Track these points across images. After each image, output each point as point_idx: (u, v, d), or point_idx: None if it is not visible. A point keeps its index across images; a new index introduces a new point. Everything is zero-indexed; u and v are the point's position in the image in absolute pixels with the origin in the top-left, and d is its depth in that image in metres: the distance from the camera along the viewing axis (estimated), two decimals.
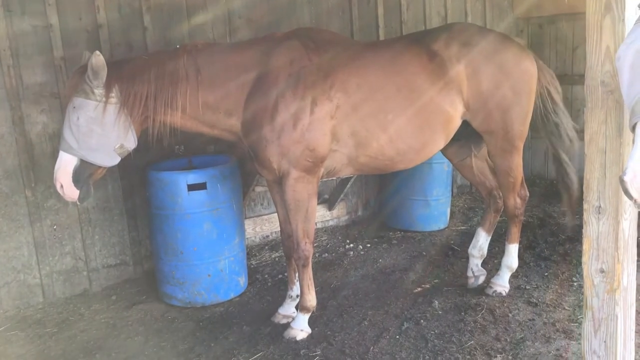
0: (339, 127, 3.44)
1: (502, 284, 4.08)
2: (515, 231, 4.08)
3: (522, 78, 3.73)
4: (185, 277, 4.13)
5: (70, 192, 3.16)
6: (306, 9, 5.39)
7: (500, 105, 3.69)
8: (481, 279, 4.21)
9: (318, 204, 5.71)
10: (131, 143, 3.30)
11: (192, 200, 4.01)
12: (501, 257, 4.19)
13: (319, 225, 5.77)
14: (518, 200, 4.00)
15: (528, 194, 4.07)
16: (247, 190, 4.85)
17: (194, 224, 4.05)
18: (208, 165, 4.27)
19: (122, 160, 4.49)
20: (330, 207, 5.76)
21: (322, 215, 5.76)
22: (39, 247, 4.33)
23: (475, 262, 4.24)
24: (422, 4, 6.16)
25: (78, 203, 3.30)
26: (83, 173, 3.18)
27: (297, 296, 3.85)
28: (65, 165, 3.13)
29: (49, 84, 4.21)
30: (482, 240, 4.23)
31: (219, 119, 3.46)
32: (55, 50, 4.20)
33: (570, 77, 6.47)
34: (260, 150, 3.43)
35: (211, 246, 4.12)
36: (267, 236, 5.46)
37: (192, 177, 4.02)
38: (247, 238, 5.11)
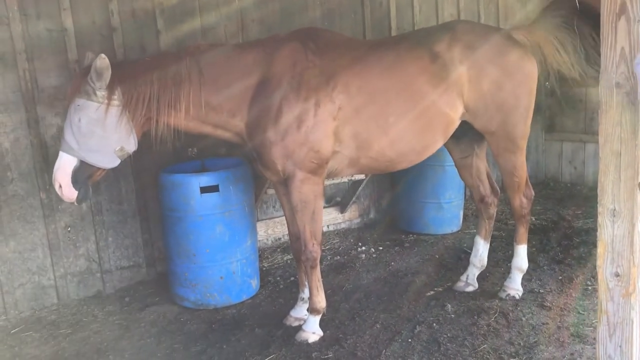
0: (341, 128, 3.44)
1: (515, 287, 4.05)
2: (523, 231, 4.05)
3: (524, 80, 3.70)
4: (197, 279, 4.15)
5: (69, 193, 3.16)
6: (318, 10, 5.39)
7: (501, 107, 3.67)
8: (469, 289, 4.19)
9: (330, 206, 5.74)
10: (132, 146, 3.30)
11: (204, 203, 4.02)
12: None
13: (331, 228, 5.77)
14: (524, 200, 3.97)
15: (533, 193, 4.04)
16: (259, 192, 4.86)
17: (207, 226, 4.06)
18: (220, 168, 4.29)
19: (135, 162, 4.55)
20: (342, 210, 5.75)
21: (334, 218, 5.75)
22: (54, 249, 4.37)
23: (474, 272, 4.23)
24: (434, 5, 6.14)
25: (76, 204, 3.29)
26: (82, 174, 3.18)
27: (309, 298, 3.85)
28: (65, 166, 3.13)
29: (64, 87, 4.24)
30: (481, 249, 4.22)
31: (222, 120, 3.46)
32: (70, 53, 4.25)
33: (585, 79, 6.42)
34: (264, 153, 3.43)
35: (223, 248, 4.13)
36: (279, 239, 5.47)
37: (205, 180, 4.03)
38: (259, 240, 5.12)
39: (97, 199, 4.50)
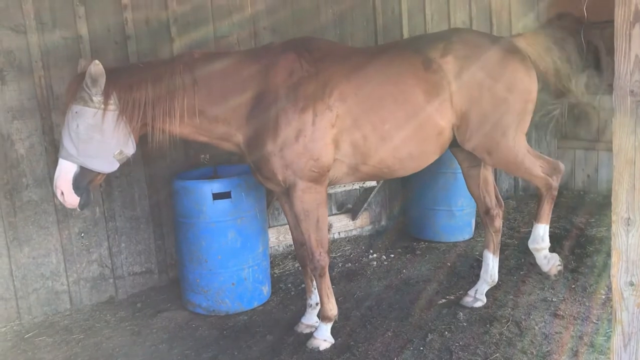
0: (339, 135, 3.43)
1: (546, 269, 3.94)
2: (546, 208, 3.85)
3: (519, 95, 3.63)
4: (209, 286, 4.16)
5: (71, 199, 3.18)
6: (330, 17, 5.42)
7: (486, 118, 3.59)
8: (477, 304, 4.09)
9: (341, 213, 5.74)
10: (130, 149, 3.31)
11: (216, 209, 4.04)
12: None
13: (342, 235, 5.77)
14: (546, 177, 3.77)
15: (563, 166, 3.85)
16: (270, 199, 4.88)
17: (219, 232, 4.08)
18: (233, 175, 4.31)
19: (148, 169, 4.59)
20: (354, 217, 5.75)
21: (345, 225, 5.75)
22: (67, 255, 4.41)
23: (483, 287, 4.13)
24: (446, 12, 6.14)
25: (79, 209, 3.32)
26: (83, 180, 3.20)
27: (317, 304, 3.86)
28: (65, 172, 3.15)
29: None
30: (491, 263, 4.11)
31: (218, 129, 3.46)
32: (85, 61, 4.29)
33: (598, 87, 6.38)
34: (264, 164, 3.43)
35: (235, 255, 4.14)
36: (291, 245, 5.46)
37: (217, 186, 4.05)
38: (271, 247, 5.13)
39: (110, 205, 4.54)
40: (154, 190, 4.70)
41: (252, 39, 5.04)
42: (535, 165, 3.78)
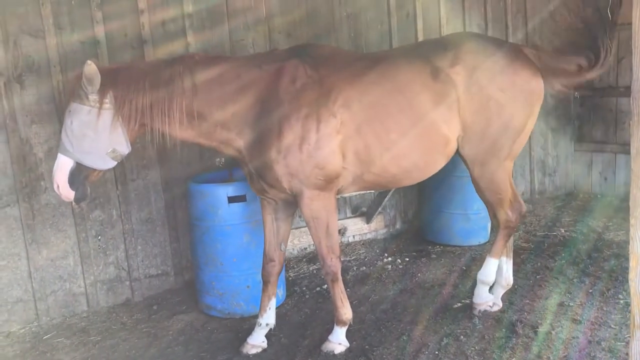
0: (344, 143, 3.39)
1: (479, 300, 3.98)
2: (501, 244, 3.90)
3: (526, 102, 3.61)
4: (224, 288, 4.18)
5: (66, 193, 3.22)
6: (345, 22, 5.43)
7: (489, 127, 3.58)
8: (494, 308, 4.02)
9: (356, 216, 5.73)
10: (124, 148, 3.29)
11: (232, 212, 4.06)
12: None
13: (357, 238, 5.76)
14: (509, 213, 3.83)
15: (524, 208, 3.90)
16: None
17: (234, 235, 4.10)
18: None
19: (164, 172, 4.62)
20: (368, 220, 5.74)
21: (359, 229, 5.75)
22: (84, 257, 4.46)
23: (499, 291, 4.06)
24: (461, 16, 6.11)
25: (74, 204, 3.35)
26: (78, 175, 3.22)
27: (267, 325, 3.77)
28: (62, 167, 3.18)
29: None
30: (505, 267, 4.05)
31: (217, 133, 3.42)
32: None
33: (616, 89, 6.33)
34: (267, 171, 3.39)
35: (250, 257, 4.16)
36: (305, 248, 5.48)
37: (232, 189, 4.07)
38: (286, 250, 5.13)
39: (127, 207, 4.58)
40: (170, 193, 4.74)
41: (266, 41, 5.06)
42: (507, 195, 3.80)
